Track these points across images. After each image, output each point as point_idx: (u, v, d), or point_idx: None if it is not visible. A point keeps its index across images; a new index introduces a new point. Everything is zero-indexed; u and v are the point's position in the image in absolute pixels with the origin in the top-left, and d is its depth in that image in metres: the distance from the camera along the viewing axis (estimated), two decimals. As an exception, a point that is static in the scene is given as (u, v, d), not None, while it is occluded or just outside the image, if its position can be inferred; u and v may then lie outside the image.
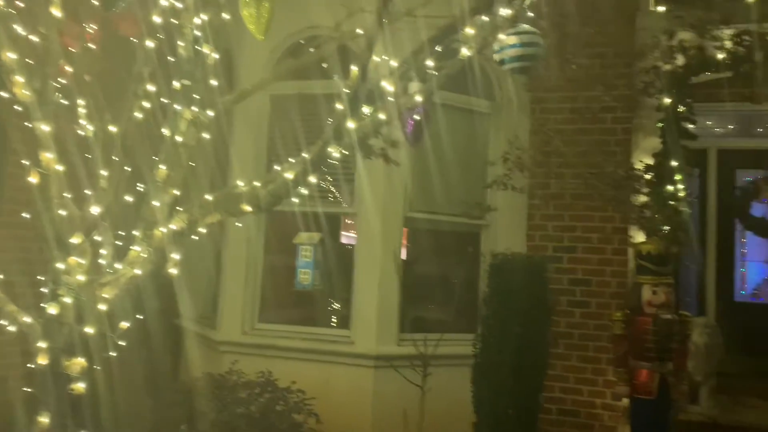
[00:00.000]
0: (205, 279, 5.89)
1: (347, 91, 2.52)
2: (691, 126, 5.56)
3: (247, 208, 2.76)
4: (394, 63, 2.70)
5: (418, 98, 2.74)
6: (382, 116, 2.72)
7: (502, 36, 2.89)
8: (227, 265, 5.49)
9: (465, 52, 2.77)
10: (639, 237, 5.32)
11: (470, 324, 5.03)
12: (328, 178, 5.46)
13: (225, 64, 5.40)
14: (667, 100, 5.45)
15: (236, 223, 4.41)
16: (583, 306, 5.37)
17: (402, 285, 5.36)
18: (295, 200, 2.76)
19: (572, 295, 5.43)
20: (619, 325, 4.35)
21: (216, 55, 3.22)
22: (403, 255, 5.60)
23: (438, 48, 2.74)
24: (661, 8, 5.34)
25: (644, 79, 4.60)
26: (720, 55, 5.49)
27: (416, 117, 3.20)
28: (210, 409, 3.62)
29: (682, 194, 5.41)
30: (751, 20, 5.28)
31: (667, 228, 5.26)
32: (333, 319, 5.44)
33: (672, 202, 5.33)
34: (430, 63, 2.70)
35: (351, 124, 2.54)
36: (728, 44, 5.47)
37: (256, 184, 2.78)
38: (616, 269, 5.30)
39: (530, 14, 2.99)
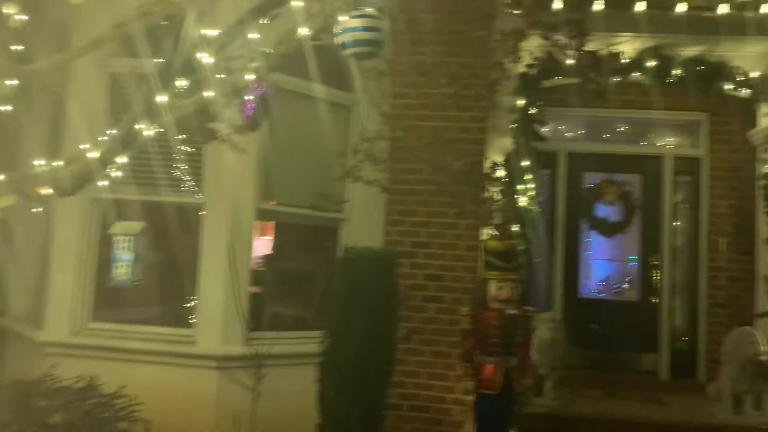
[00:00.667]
0: (34, 272, 5.31)
1: (159, 61, 2.26)
2: (542, 128, 5.79)
3: (46, 190, 2.41)
4: (212, 32, 2.46)
5: (249, 76, 2.52)
6: (207, 94, 2.47)
7: (343, 18, 2.74)
8: (56, 256, 4.95)
9: (302, 31, 2.60)
10: (490, 234, 5.44)
11: (326, 321, 4.88)
12: (178, 165, 5.09)
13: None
14: (520, 102, 5.64)
15: (34, 209, 3.94)
16: (436, 301, 5.39)
17: (256, 280, 5.11)
18: (104, 183, 2.45)
19: (426, 291, 5.43)
20: (466, 319, 4.36)
21: (22, 17, 2.82)
22: (262, 249, 5.36)
23: (264, 20, 2.53)
24: (516, 11, 5.50)
25: (493, 77, 4.64)
26: (568, 61, 5.75)
27: (254, 99, 2.98)
28: (14, 420, 3.18)
29: (531, 193, 5.62)
30: (599, 30, 5.58)
31: (516, 226, 5.43)
32: (178, 318, 5.07)
33: (522, 201, 5.51)
34: (254, 36, 2.49)
35: (162, 98, 2.27)
36: (576, 51, 5.75)
37: (58, 164, 2.44)
38: (468, 265, 5.35)
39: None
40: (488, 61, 4.41)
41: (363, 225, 5.49)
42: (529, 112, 5.67)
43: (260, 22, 2.52)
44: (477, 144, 5.64)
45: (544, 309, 6.46)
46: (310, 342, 4.47)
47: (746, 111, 5.90)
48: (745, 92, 5.64)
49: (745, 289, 6.09)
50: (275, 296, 6.03)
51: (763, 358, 5.13)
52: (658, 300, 6.54)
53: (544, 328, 5.35)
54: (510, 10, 5.42)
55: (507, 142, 5.67)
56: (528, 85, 5.61)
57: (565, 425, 5.09)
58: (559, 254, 6.64)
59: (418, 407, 5.26)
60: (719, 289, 6.34)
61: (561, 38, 4.94)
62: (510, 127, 5.65)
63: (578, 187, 6.78)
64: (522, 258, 5.19)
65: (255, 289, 5.84)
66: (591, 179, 6.81)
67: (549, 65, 5.64)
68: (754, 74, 5.52)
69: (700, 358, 6.36)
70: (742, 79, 5.54)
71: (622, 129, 6.90)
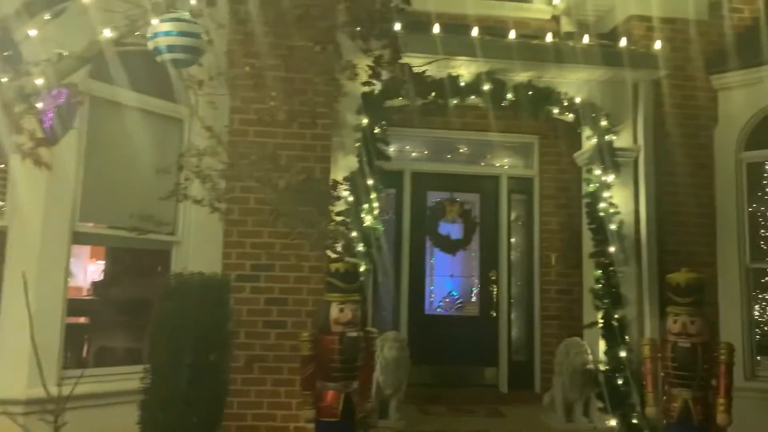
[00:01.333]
0: None
1: None
2: (386, 148, 5.80)
3: None
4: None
5: (39, 81, 2.17)
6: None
7: (155, 21, 2.48)
8: None
9: (107, 34, 2.31)
10: (333, 254, 5.32)
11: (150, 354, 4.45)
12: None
13: None
14: (364, 121, 5.62)
15: None
16: (279, 326, 5.16)
17: (80, 310, 4.57)
18: None
19: (268, 316, 5.19)
20: (306, 345, 4.18)
21: None
22: (92, 275, 4.82)
23: (47, 16, 2.21)
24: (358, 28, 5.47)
25: (333, 93, 4.54)
26: (410, 83, 5.82)
27: (53, 108, 2.60)
28: None
29: (376, 212, 5.58)
30: (437, 53, 5.71)
31: (360, 245, 5.36)
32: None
33: (367, 220, 5.46)
34: (32, 33, 2.16)
35: None
36: (417, 72, 5.84)
37: None
38: (312, 287, 5.19)
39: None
40: (327, 78, 4.29)
41: (199, 248, 5.14)
42: (374, 132, 5.67)
43: (44, 17, 2.19)
44: (322, 162, 5.54)
45: (390, 328, 6.46)
46: (131, 378, 4.04)
47: (572, 134, 6.32)
48: (570, 116, 6.05)
49: (574, 301, 6.49)
50: (102, 327, 5.48)
51: (590, 366, 5.46)
52: (496, 314, 6.78)
53: (389, 348, 5.32)
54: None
55: (353, 161, 5.64)
56: (371, 104, 5.61)
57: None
58: (405, 272, 6.68)
59: (259, 439, 4.99)
60: (551, 301, 6.70)
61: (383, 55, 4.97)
62: (356, 145, 5.62)
63: (422, 206, 6.89)
64: (364, 278, 5.15)
65: (79, 320, 5.27)
66: (434, 198, 6.95)
67: (391, 85, 5.70)
68: (578, 100, 5.93)
69: (536, 369, 6.66)
70: (567, 104, 5.93)
71: (463, 150, 7.13)
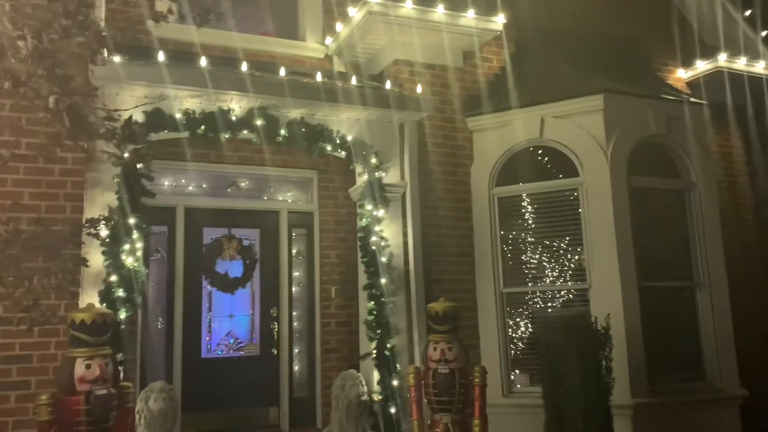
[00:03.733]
0: None
1: None
2: (150, 183, 5.45)
3: None
4: None
5: None
6: None
7: None
8: None
9: None
10: (88, 300, 4.84)
11: None
12: None
13: None
14: (125, 155, 5.23)
15: None
16: (20, 387, 4.54)
17: None
18: None
19: (8, 376, 4.54)
20: (44, 409, 3.70)
21: None
22: None
23: None
24: (116, 59, 5.14)
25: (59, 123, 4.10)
26: (177, 115, 5.58)
27: None
28: None
29: (139, 254, 5.20)
30: (207, 86, 5.55)
31: (120, 290, 4.95)
32: None
33: (128, 262, 5.06)
34: None
35: None
36: (186, 106, 5.62)
37: None
38: (62, 340, 4.66)
39: None
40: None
41: None
42: (137, 166, 5.30)
43: None
44: (75, 200, 5.05)
45: (163, 375, 6.04)
46: None
47: (347, 170, 6.51)
48: (343, 154, 6.23)
49: (352, 332, 6.62)
50: None
51: (364, 398, 5.57)
52: (277, 352, 6.67)
53: (154, 400, 4.93)
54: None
55: (112, 198, 5.21)
56: (132, 137, 5.24)
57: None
58: (179, 314, 6.30)
59: None
60: (332, 334, 6.76)
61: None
62: (115, 181, 5.21)
63: (198, 244, 6.59)
64: (124, 326, 4.76)
65: None
66: (211, 235, 6.69)
67: (155, 117, 5.40)
68: (349, 138, 6.14)
69: (317, 404, 6.65)
70: (340, 141, 6.11)
71: (244, 184, 6.98)
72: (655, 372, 5.70)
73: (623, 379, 5.31)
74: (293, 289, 6.90)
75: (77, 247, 4.79)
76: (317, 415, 6.62)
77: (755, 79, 8.12)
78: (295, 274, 6.96)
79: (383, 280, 5.84)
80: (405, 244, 6.17)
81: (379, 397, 5.61)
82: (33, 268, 4.65)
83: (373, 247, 5.93)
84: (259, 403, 6.59)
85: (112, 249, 5.02)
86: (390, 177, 6.23)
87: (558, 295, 6.24)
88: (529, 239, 6.43)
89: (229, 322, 6.71)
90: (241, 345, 6.70)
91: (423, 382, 4.89)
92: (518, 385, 6.15)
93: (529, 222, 6.50)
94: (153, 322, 6.28)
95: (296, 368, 6.78)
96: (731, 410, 6.08)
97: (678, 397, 5.68)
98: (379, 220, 6.01)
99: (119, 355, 4.83)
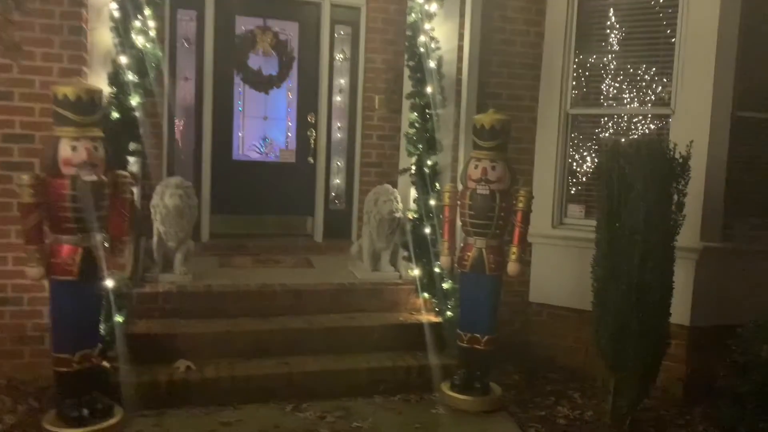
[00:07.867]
0: None
1: None
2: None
3: None
4: None
5: None
6: None
7: None
8: None
9: None
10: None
11: None
12: None
13: None
14: None
15: None
16: (22, 168, 4.24)
17: None
18: None
19: (8, 156, 4.25)
20: (28, 191, 3.37)
21: None
22: None
23: None
24: None
25: None
26: None
27: None
28: None
29: (152, 34, 4.61)
30: None
31: (130, 74, 4.42)
32: None
33: (139, 42, 4.47)
34: None
35: None
36: None
37: None
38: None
39: None
40: None
41: None
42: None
43: None
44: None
45: (191, 175, 5.74)
46: None
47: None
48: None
49: (394, 147, 6.05)
50: None
51: (397, 215, 5.12)
52: (314, 161, 6.22)
53: (170, 196, 4.62)
54: None
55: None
56: None
57: (188, 300, 4.55)
58: (208, 110, 5.84)
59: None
60: (372, 148, 6.23)
61: None
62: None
63: (230, 34, 5.91)
64: (126, 113, 4.30)
65: None
66: (244, 25, 5.97)
67: None
68: None
69: (354, 218, 6.31)
70: None
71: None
72: (731, 215, 4.91)
73: (694, 219, 4.57)
74: (333, 95, 6.25)
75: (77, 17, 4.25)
76: (352, 228, 6.33)
77: None
78: (337, 78, 6.28)
79: (429, 89, 5.07)
80: (460, 48, 5.29)
81: (414, 216, 5.12)
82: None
83: (421, 49, 5.09)
84: (293, 212, 6.31)
85: (122, 26, 4.41)
86: (449, -37, 5.19)
87: (633, 123, 5.33)
88: (610, 56, 5.38)
89: (263, 125, 6.23)
90: (276, 150, 6.27)
91: (459, 202, 4.32)
92: (570, 217, 5.51)
93: (615, 31, 5.39)
94: (181, 117, 5.84)
95: (334, 181, 6.36)
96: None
97: (751, 245, 4.93)
98: (430, 16, 5.10)
99: (132, 145, 4.46)
